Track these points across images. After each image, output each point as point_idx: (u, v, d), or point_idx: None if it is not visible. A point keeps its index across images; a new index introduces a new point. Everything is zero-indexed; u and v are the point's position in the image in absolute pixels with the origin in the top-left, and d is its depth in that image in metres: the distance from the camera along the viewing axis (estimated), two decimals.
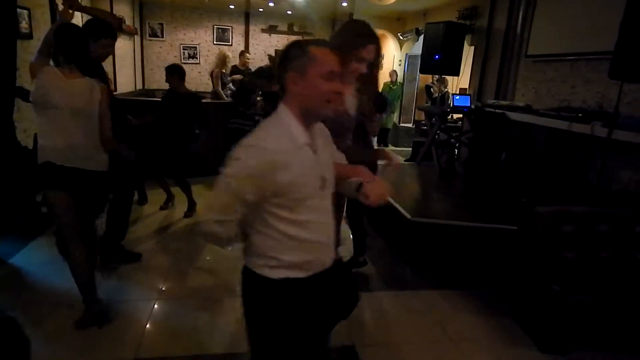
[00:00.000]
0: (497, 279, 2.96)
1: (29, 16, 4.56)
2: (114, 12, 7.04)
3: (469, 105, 5.20)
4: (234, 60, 7.27)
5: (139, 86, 8.70)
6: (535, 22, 4.85)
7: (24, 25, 4.44)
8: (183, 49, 9.42)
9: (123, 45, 7.67)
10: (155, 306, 2.64)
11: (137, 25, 8.72)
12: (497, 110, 4.71)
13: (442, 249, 3.22)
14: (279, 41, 9.76)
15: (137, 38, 8.75)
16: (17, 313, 2.31)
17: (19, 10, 4.19)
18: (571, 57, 4.27)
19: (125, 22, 7.53)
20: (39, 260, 3.06)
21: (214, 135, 5.65)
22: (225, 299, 2.77)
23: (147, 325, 2.44)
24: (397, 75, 8.91)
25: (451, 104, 5.26)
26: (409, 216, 3.27)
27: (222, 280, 3.01)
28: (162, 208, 4.37)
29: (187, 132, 4.22)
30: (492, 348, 2.40)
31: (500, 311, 2.72)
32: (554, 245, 2.48)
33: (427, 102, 7.82)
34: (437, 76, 6.98)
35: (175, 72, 4.03)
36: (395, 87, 8.80)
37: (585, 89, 4.15)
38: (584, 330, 2.33)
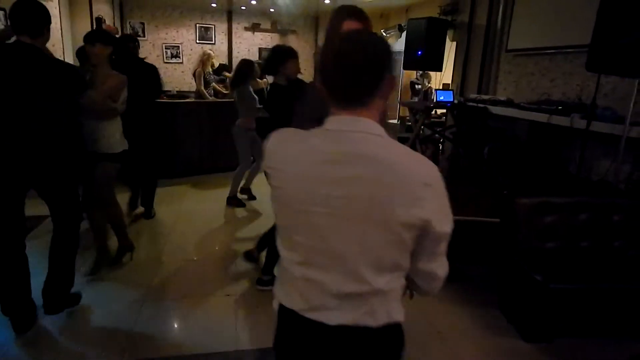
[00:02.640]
0: (482, 271, 3.00)
1: (5, 16, 4.48)
2: (93, 11, 6.94)
3: (452, 100, 5.24)
4: (218, 59, 7.22)
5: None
6: (514, 17, 4.92)
7: (0, 26, 4.36)
8: (165, 49, 9.32)
9: None
10: (143, 308, 2.62)
11: (118, 25, 8.59)
12: (479, 105, 4.77)
13: None
14: (262, 39, 9.72)
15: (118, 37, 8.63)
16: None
17: None
18: (550, 51, 4.34)
19: (105, 21, 7.42)
20: None
21: (200, 135, 5.63)
22: (211, 298, 2.76)
23: (134, 328, 2.43)
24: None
25: (434, 100, 5.30)
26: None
27: (210, 279, 3.00)
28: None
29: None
30: (476, 338, 2.44)
31: (485, 302, 2.76)
32: (535, 236, 2.53)
33: (411, 98, 7.87)
34: (421, 72, 7.03)
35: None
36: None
37: (564, 82, 4.22)
38: (566, 318, 2.38)
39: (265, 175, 1.07)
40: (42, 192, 2.36)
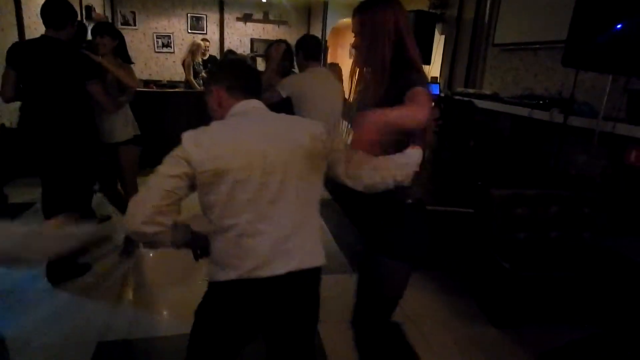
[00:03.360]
0: (457, 260, 3.08)
1: None
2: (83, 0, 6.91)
3: (437, 93, 5.30)
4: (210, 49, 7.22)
5: None
6: (501, 12, 4.96)
7: None
8: (156, 38, 9.28)
9: None
10: (127, 291, 2.68)
11: (108, 14, 8.55)
12: (465, 99, 4.83)
13: None
14: (254, 30, 9.69)
15: None
16: None
17: None
18: (534, 46, 4.39)
19: (95, 10, 7.38)
20: None
21: (188, 126, 5.64)
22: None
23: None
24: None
25: None
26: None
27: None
28: None
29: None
30: (448, 325, 2.52)
31: (458, 291, 2.84)
32: (507, 226, 2.60)
33: None
34: None
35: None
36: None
37: (547, 77, 4.29)
38: (534, 305, 2.46)
39: None
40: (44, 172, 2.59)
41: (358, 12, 1.60)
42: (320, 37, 8.99)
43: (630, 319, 1.48)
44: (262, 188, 1.19)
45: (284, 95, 2.56)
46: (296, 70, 3.47)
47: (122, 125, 2.99)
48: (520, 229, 2.63)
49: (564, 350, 1.58)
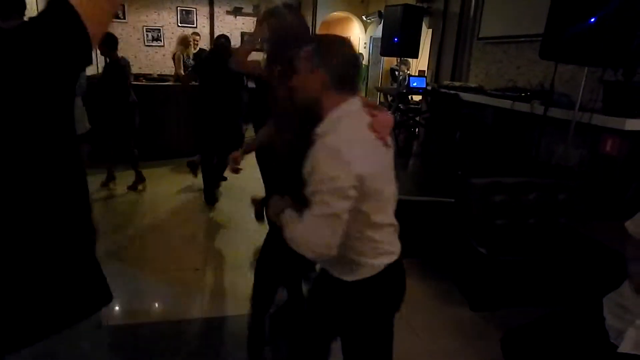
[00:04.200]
0: (440, 248, 3.17)
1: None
2: None
3: (424, 86, 5.38)
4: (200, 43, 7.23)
5: (101, 70, 8.54)
6: (485, 6, 5.05)
7: None
8: (146, 31, 9.25)
9: None
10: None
11: None
12: (451, 92, 4.92)
13: None
14: (245, 23, 9.70)
15: None
16: None
17: None
18: (516, 39, 4.48)
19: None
20: None
21: (177, 119, 5.69)
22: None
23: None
24: (362, 57, 9.03)
25: (408, 86, 5.44)
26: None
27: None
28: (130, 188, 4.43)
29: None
30: (427, 308, 2.62)
31: (440, 277, 2.94)
32: (485, 213, 2.70)
33: (391, 84, 7.99)
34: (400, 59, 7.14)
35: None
36: (361, 69, 8.92)
37: (529, 69, 4.38)
38: (510, 289, 2.57)
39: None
40: None
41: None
42: (310, 31, 9.02)
43: (593, 297, 1.58)
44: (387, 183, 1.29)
45: None
46: None
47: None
48: (499, 216, 2.73)
49: (529, 327, 1.68)
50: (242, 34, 9.71)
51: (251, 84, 3.44)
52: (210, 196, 4.19)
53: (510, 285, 2.54)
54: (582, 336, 1.53)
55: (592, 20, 2.70)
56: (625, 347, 1.39)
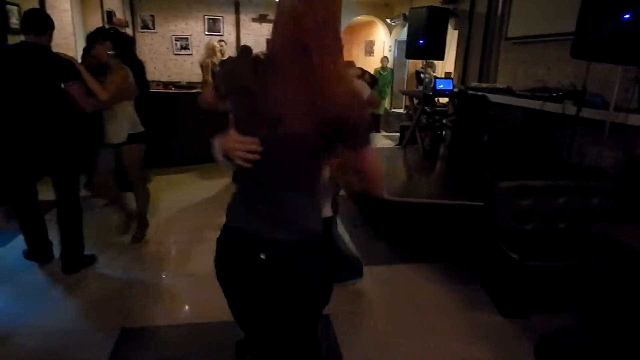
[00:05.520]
0: (468, 252, 3.12)
1: (19, 12, 4.69)
2: (105, 5, 7.15)
3: (451, 88, 5.31)
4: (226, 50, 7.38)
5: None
6: (513, 5, 4.95)
7: (13, 20, 4.57)
8: (175, 40, 9.50)
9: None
10: (143, 281, 2.82)
11: (128, 18, 8.80)
12: (478, 93, 4.84)
13: (416, 225, 3.39)
14: (270, 30, 9.81)
15: (129, 30, 8.85)
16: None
17: (8, 6, 4.33)
18: (546, 39, 4.37)
19: (115, 15, 7.63)
20: None
21: (204, 125, 5.79)
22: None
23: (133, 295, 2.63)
24: (387, 61, 8.99)
25: (434, 88, 5.38)
26: (385, 195, 3.42)
27: None
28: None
29: None
30: (455, 313, 2.57)
31: (468, 281, 2.88)
32: (514, 217, 2.64)
33: (417, 87, 7.92)
34: (425, 61, 7.09)
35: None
36: (386, 72, 8.89)
37: (559, 69, 4.26)
38: (541, 295, 2.50)
39: None
40: (50, 172, 2.78)
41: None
42: None
43: (628, 304, 1.53)
44: None
45: None
46: None
47: (119, 128, 3.10)
48: (528, 220, 2.66)
49: (564, 333, 1.63)
50: (267, 41, 9.83)
51: None
52: None
53: (542, 291, 2.47)
54: (621, 343, 1.47)
55: (627, 16, 2.61)
56: None
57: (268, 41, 1.29)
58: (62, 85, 2.66)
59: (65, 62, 2.67)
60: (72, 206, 2.88)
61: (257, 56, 1.16)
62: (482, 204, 2.98)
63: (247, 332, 1.45)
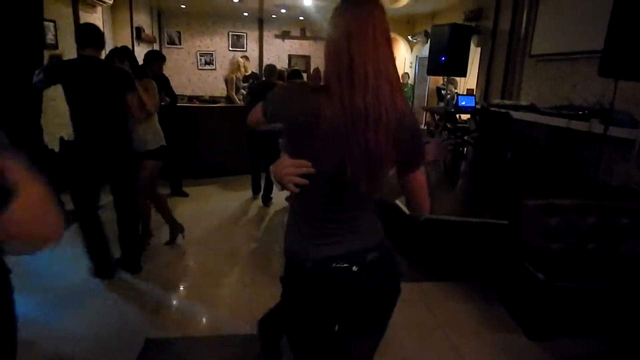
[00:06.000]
0: (491, 270, 3.06)
1: (55, 27, 4.89)
2: (134, 21, 7.40)
3: (473, 105, 5.29)
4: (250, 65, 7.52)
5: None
6: (538, 23, 4.93)
7: (50, 36, 4.76)
8: (200, 56, 9.75)
9: (143, 53, 8.02)
10: (168, 292, 2.86)
11: (156, 34, 9.08)
12: (501, 110, 4.80)
13: (438, 243, 3.34)
14: (292, 46, 9.99)
15: (156, 46, 9.12)
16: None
17: (45, 22, 4.52)
18: (571, 56, 4.33)
19: (144, 31, 7.88)
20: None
21: (226, 138, 5.89)
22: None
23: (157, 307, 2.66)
24: (408, 77, 9.01)
25: (456, 104, 5.36)
26: (407, 212, 3.39)
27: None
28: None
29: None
30: (479, 334, 2.52)
31: (492, 301, 2.82)
32: (540, 236, 2.58)
33: (438, 104, 7.91)
34: (446, 77, 7.08)
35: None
36: (407, 88, 8.90)
37: (585, 87, 4.21)
38: (568, 317, 2.43)
39: None
40: (110, 179, 2.96)
41: None
42: None
43: None
44: None
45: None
46: None
47: (143, 138, 3.23)
48: (554, 240, 2.61)
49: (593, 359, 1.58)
50: (290, 57, 10.00)
51: None
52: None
53: (570, 313, 2.40)
54: None
55: None
56: None
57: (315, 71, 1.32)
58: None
59: (126, 73, 2.88)
60: (133, 209, 3.07)
61: (307, 84, 1.21)
62: (506, 222, 2.94)
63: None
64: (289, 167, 1.11)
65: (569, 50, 4.35)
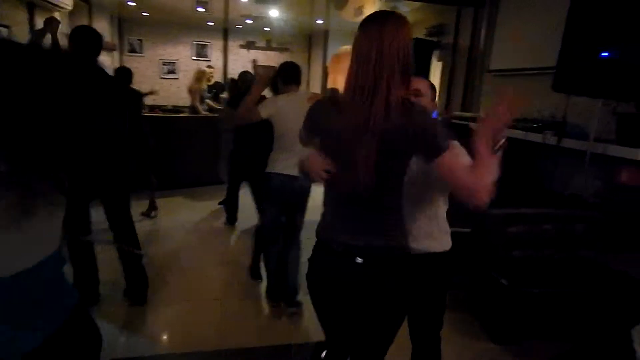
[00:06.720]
0: (457, 278, 3.15)
1: (9, 33, 4.68)
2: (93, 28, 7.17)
3: (435, 117, 5.44)
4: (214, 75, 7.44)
5: None
6: (495, 39, 5.17)
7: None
8: (162, 64, 9.57)
9: (103, 62, 7.77)
10: (134, 309, 2.75)
11: (116, 41, 8.84)
12: (462, 122, 4.98)
13: None
14: (257, 56, 9.97)
15: (116, 54, 8.88)
16: None
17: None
18: (527, 72, 4.57)
19: (104, 38, 7.65)
20: None
21: (191, 149, 5.79)
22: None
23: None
24: None
25: None
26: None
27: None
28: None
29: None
30: (447, 340, 2.56)
31: (459, 308, 2.90)
32: (504, 244, 2.69)
33: None
34: None
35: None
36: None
37: (540, 101, 4.44)
38: (532, 321, 2.53)
39: None
40: (104, 198, 2.71)
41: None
42: (321, 64, 9.27)
43: (614, 330, 1.57)
44: None
45: (263, 116, 2.65)
46: None
47: None
48: (517, 247, 2.72)
49: None
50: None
51: None
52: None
53: (533, 317, 2.51)
54: None
55: (605, 54, 2.77)
56: None
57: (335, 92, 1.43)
58: None
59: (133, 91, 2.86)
60: (130, 228, 2.81)
61: (336, 99, 1.39)
62: (469, 230, 3.04)
63: (333, 339, 1.58)
64: (316, 163, 1.33)
65: (524, 66, 4.58)
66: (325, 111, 1.38)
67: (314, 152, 1.38)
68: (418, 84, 1.69)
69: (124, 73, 4.66)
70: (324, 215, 1.44)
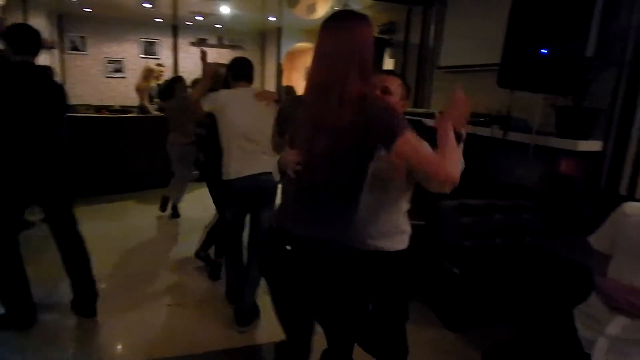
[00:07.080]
0: (411, 269, 3.22)
1: None
2: (29, 24, 6.74)
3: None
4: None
5: None
6: (444, 37, 5.33)
7: None
8: (108, 63, 9.15)
9: (41, 60, 7.33)
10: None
11: (56, 38, 8.36)
12: (414, 118, 5.10)
13: None
14: (209, 54, 9.73)
15: (57, 52, 8.40)
16: None
17: None
18: (474, 68, 4.74)
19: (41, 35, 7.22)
20: None
21: (145, 150, 5.57)
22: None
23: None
24: None
25: None
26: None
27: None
28: None
29: None
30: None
31: (413, 298, 2.96)
32: (456, 234, 2.78)
33: None
34: None
35: None
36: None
37: (486, 97, 4.61)
38: (483, 308, 2.63)
39: None
40: (43, 203, 2.54)
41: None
42: (275, 61, 9.20)
43: (564, 310, 1.66)
44: None
45: (205, 110, 2.59)
46: None
47: None
48: (468, 237, 2.82)
49: (508, 343, 1.73)
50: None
51: None
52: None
53: (485, 304, 2.61)
54: (559, 348, 1.59)
55: (543, 51, 2.92)
56: (596, 356, 1.45)
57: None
58: None
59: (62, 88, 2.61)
60: (77, 237, 2.60)
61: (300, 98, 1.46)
62: (423, 222, 3.12)
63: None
64: (291, 155, 1.37)
65: (472, 63, 4.75)
66: (293, 108, 1.46)
67: (288, 148, 1.43)
68: (387, 81, 1.68)
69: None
70: (281, 199, 1.52)
